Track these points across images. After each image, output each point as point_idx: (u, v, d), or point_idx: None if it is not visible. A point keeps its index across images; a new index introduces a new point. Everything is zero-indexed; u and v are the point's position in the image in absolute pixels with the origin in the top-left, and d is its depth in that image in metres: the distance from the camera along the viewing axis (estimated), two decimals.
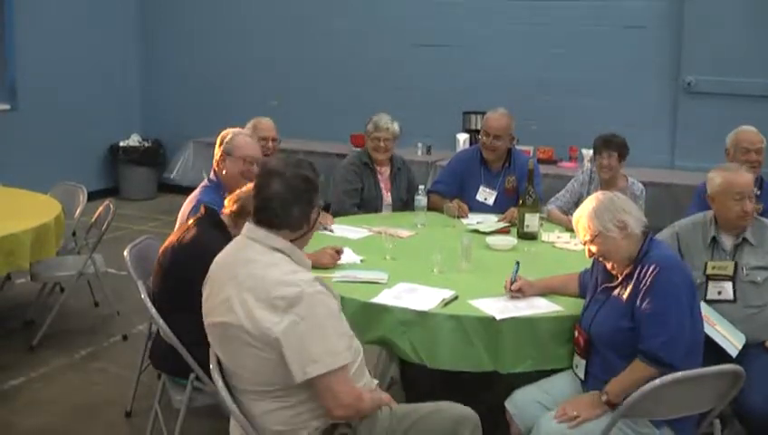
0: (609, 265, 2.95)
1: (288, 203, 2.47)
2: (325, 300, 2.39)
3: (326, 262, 3.52)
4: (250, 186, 3.08)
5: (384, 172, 5.01)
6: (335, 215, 4.64)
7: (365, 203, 4.87)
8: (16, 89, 8.19)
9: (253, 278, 2.39)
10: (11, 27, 8.09)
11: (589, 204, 2.96)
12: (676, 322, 2.71)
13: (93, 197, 6.03)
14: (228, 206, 3.22)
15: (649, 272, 2.77)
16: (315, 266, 3.15)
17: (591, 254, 2.96)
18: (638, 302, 2.78)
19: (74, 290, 5.09)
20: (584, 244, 2.97)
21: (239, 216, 3.13)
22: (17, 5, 8.08)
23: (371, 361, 2.82)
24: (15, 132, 8.12)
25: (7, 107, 8.18)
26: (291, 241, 2.49)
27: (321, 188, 2.62)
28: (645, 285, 2.76)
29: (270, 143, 4.73)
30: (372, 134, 4.90)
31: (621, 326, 2.81)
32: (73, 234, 5.33)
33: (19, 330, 5.07)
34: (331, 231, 4.23)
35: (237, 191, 3.26)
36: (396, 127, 4.92)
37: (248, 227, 2.53)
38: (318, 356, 2.31)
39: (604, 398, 2.74)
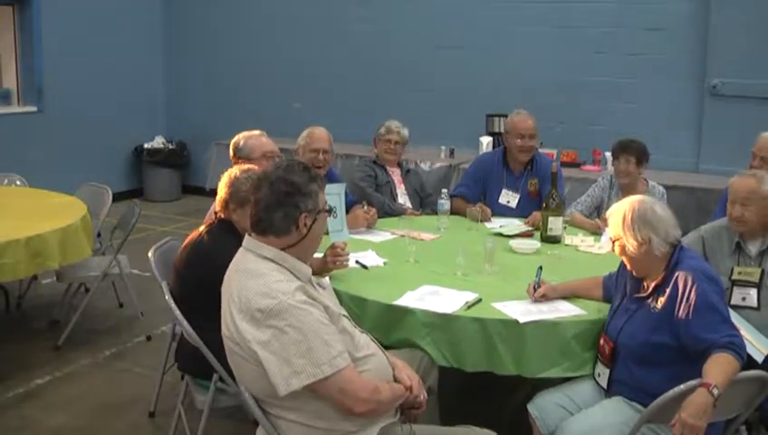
0: (629, 266, 2.91)
1: (270, 207, 2.39)
2: (308, 310, 2.29)
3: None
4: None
5: (395, 172, 5.18)
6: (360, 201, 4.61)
7: (380, 190, 4.99)
8: (43, 91, 8.27)
9: (238, 289, 2.35)
10: (38, 30, 8.18)
11: (625, 205, 2.88)
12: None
13: (118, 198, 6.07)
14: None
15: (688, 286, 2.71)
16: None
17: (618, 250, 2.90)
18: (679, 315, 2.71)
19: (99, 290, 5.13)
20: (612, 240, 2.92)
21: (236, 212, 3.22)
22: (44, 9, 8.16)
23: (411, 367, 2.75)
24: (42, 134, 8.21)
25: (34, 109, 8.28)
26: (284, 249, 2.40)
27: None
28: (685, 299, 2.70)
29: (321, 156, 4.43)
30: (384, 136, 5.13)
31: (651, 340, 2.78)
32: (98, 235, 5.37)
33: (45, 330, 5.12)
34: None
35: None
36: (405, 132, 5.16)
37: (245, 238, 2.48)
38: (301, 368, 2.23)
39: (715, 392, 2.47)
